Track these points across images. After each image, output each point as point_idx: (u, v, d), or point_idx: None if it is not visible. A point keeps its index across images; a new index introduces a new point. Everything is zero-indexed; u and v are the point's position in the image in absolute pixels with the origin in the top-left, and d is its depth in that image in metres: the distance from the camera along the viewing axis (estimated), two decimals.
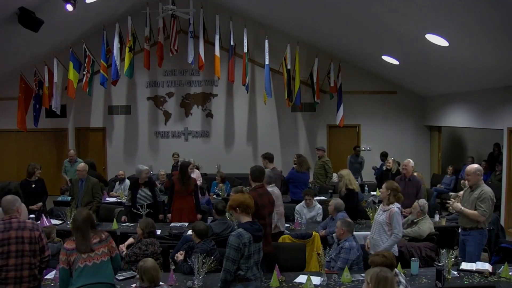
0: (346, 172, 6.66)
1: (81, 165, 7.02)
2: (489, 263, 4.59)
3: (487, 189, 4.72)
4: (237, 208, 3.58)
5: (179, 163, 8.33)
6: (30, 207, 6.55)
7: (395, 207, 4.51)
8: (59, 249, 4.74)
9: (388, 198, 4.56)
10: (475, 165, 4.88)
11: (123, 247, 4.96)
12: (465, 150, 12.65)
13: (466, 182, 4.89)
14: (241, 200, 3.60)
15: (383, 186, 4.67)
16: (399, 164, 8.93)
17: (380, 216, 4.61)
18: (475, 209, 4.65)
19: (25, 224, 3.56)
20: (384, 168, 8.93)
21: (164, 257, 4.90)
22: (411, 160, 6.78)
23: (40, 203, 6.79)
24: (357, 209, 6.31)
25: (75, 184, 6.90)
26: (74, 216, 3.52)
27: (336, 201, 5.87)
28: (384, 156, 10.43)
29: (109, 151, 11.82)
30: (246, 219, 3.57)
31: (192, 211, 6.45)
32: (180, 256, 4.56)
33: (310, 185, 8.79)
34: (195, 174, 8.62)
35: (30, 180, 6.91)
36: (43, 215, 6.31)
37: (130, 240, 5.10)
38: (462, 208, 4.74)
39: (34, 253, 3.53)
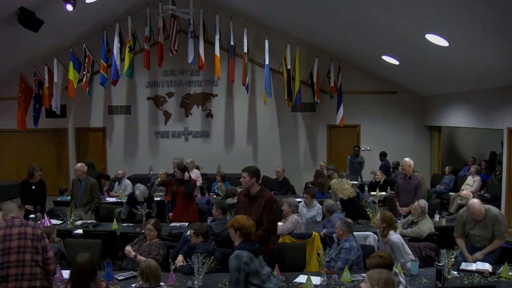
0: (334, 181, 6.68)
1: (78, 165, 6.96)
2: (489, 263, 4.58)
3: (494, 210, 4.67)
4: (238, 231, 3.57)
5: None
6: (26, 206, 6.58)
7: (392, 236, 4.53)
8: (59, 249, 4.75)
9: (383, 230, 4.61)
10: (477, 201, 4.69)
11: (131, 250, 4.82)
12: (465, 150, 12.66)
13: (475, 218, 4.67)
14: (245, 226, 3.58)
15: (378, 217, 4.69)
16: (390, 171, 9.33)
17: (384, 247, 4.65)
18: (492, 235, 4.60)
19: (28, 222, 3.59)
20: (373, 181, 9.10)
21: (164, 257, 4.89)
22: (407, 160, 6.77)
23: (38, 206, 6.67)
24: (355, 214, 6.29)
25: (74, 184, 6.90)
26: (75, 259, 3.37)
27: (326, 202, 5.88)
28: (383, 155, 10.47)
29: (109, 151, 11.82)
30: (240, 241, 3.59)
31: (190, 214, 6.44)
32: (180, 262, 4.56)
33: (310, 185, 8.81)
34: (195, 174, 8.58)
35: (30, 181, 6.85)
36: (45, 215, 6.29)
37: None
38: (484, 252, 4.60)
39: (36, 250, 3.50)
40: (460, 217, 4.88)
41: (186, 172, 6.58)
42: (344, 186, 6.56)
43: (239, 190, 7.35)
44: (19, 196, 6.97)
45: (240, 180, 4.63)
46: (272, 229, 4.47)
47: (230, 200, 7.11)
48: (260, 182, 4.61)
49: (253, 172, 4.47)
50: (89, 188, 6.75)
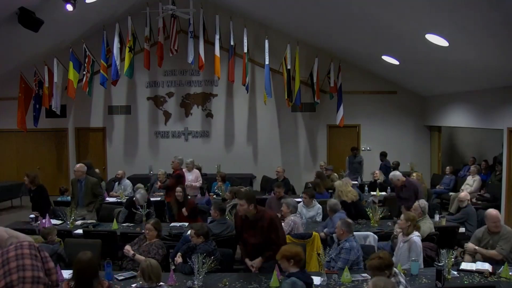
0: (338, 183, 6.67)
1: (78, 165, 6.90)
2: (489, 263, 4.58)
3: (509, 228, 4.65)
4: (292, 260, 3.55)
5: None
6: (33, 212, 6.52)
7: (414, 236, 4.60)
8: (55, 251, 4.73)
9: (407, 229, 4.66)
10: (495, 211, 4.71)
11: (130, 249, 4.86)
12: (465, 150, 12.66)
13: (493, 229, 4.64)
14: (298, 253, 3.56)
15: (402, 217, 4.73)
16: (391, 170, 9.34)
17: (401, 247, 4.66)
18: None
19: (23, 241, 3.60)
20: (372, 180, 9.12)
21: (164, 257, 4.89)
22: (391, 175, 6.81)
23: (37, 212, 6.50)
24: (356, 215, 6.33)
25: (74, 185, 6.87)
26: (78, 257, 3.34)
27: (330, 202, 5.88)
28: (383, 155, 10.48)
29: (109, 151, 11.82)
30: (295, 269, 3.57)
31: None
32: (178, 259, 4.55)
33: (309, 185, 8.81)
34: (195, 175, 8.56)
35: (31, 187, 6.74)
36: (47, 215, 6.27)
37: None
38: (477, 248, 4.58)
39: (36, 257, 3.48)
40: (478, 232, 4.85)
41: (184, 209, 6.50)
42: (348, 189, 6.58)
43: (242, 190, 7.30)
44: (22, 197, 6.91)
45: (238, 208, 4.41)
46: (284, 242, 4.46)
47: (236, 201, 6.96)
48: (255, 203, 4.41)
49: (251, 198, 4.33)
50: (90, 187, 6.72)
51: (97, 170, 9.14)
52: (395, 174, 6.78)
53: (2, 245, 3.70)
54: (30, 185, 6.69)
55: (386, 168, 10.09)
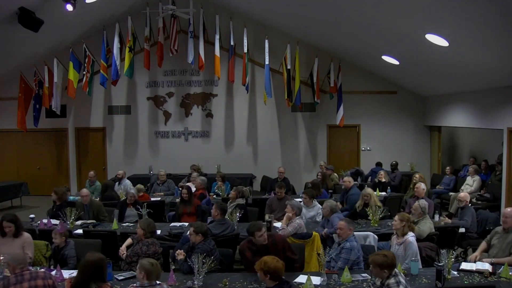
0: (370, 191, 6.66)
1: (85, 191, 6.85)
2: (489, 263, 4.58)
3: None
4: (268, 275, 3.52)
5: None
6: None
7: (409, 236, 4.60)
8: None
9: (402, 229, 4.66)
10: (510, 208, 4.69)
11: (123, 250, 4.94)
12: (465, 150, 12.67)
13: (502, 224, 4.67)
14: (278, 268, 3.52)
15: (396, 218, 4.72)
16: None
17: (396, 250, 4.64)
18: (510, 254, 4.50)
19: (37, 274, 3.50)
20: (377, 180, 9.12)
21: (164, 257, 4.90)
22: (422, 184, 6.88)
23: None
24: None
25: (80, 206, 6.86)
26: (85, 256, 3.32)
27: (329, 203, 5.87)
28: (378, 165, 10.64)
29: (109, 151, 11.82)
30: (272, 283, 3.56)
31: None
32: (181, 255, 4.53)
33: (309, 185, 8.81)
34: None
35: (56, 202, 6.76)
36: (49, 217, 6.27)
37: (129, 241, 5.08)
38: (492, 261, 4.47)
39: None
40: (497, 228, 4.88)
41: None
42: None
43: (244, 189, 7.30)
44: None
45: (257, 238, 4.46)
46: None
47: (240, 201, 6.93)
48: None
49: (264, 226, 4.60)
50: (96, 211, 6.67)
51: (91, 173, 9.07)
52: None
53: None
54: (58, 201, 6.71)
55: (373, 172, 10.24)
